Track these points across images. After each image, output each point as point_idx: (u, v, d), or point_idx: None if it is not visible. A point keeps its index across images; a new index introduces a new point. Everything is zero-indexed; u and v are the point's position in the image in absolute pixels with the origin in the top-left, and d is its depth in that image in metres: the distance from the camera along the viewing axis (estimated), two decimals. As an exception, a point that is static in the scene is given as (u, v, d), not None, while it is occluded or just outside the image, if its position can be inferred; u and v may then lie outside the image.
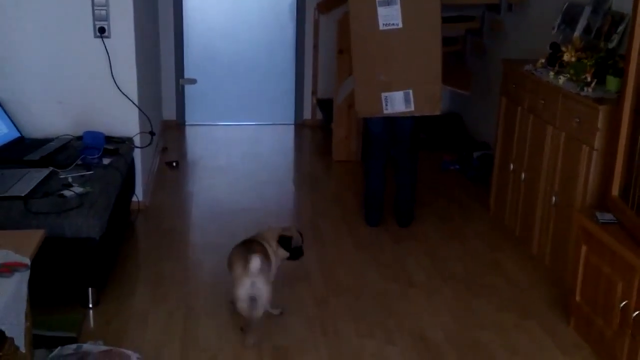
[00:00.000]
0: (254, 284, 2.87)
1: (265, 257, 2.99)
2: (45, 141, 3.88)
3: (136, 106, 4.13)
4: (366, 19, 3.82)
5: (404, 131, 4.15)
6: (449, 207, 4.61)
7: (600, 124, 3.12)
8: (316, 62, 6.47)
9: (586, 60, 3.47)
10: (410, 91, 3.90)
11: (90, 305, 3.18)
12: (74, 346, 2.71)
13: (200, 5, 6.38)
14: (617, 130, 2.94)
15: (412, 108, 3.93)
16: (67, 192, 3.21)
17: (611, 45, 3.60)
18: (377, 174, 4.24)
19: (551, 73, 3.65)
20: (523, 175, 3.91)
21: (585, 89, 3.32)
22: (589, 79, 3.35)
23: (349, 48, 4.07)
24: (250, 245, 3.02)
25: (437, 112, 4.01)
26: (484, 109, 5.60)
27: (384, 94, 3.92)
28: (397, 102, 3.93)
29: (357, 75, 3.95)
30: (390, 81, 3.90)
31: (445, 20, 4.04)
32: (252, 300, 2.89)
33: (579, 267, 3.02)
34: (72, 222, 3.02)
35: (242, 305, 2.90)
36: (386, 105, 3.94)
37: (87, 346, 2.71)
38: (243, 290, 2.88)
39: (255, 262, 2.84)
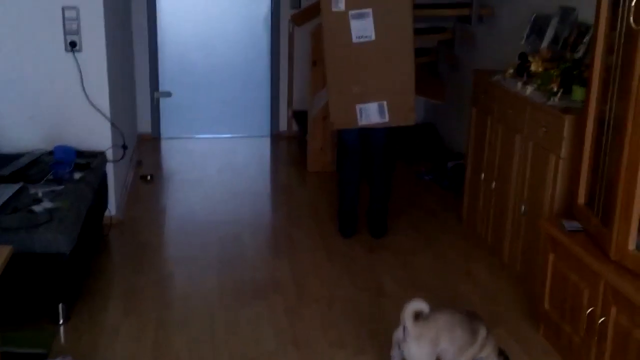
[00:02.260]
0: None
1: None
2: (16, 156, 3.85)
3: (108, 120, 4.13)
4: (339, 31, 3.85)
5: (378, 142, 4.18)
6: (423, 217, 4.64)
7: (566, 132, 3.17)
8: (291, 73, 6.50)
9: (553, 71, 3.53)
10: (385, 102, 3.93)
11: (61, 321, 3.16)
12: (42, 362, 2.70)
13: (174, 18, 6.39)
14: (581, 139, 2.98)
15: (387, 119, 3.97)
16: (36, 207, 3.19)
17: (577, 56, 3.66)
18: (351, 184, 4.27)
19: (519, 83, 3.70)
20: (493, 185, 3.95)
21: (552, 98, 3.37)
22: (555, 89, 3.41)
23: (322, 60, 4.10)
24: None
25: (412, 123, 4.04)
26: (458, 119, 5.65)
27: (358, 106, 3.95)
28: (371, 114, 3.96)
29: (331, 87, 3.98)
30: (364, 93, 3.93)
31: (417, 32, 4.09)
32: None
33: (546, 275, 3.05)
34: (42, 237, 3.00)
35: None
36: (361, 116, 3.96)
37: (55, 362, 2.70)
38: None
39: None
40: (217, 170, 5.63)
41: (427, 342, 2.57)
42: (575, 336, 2.83)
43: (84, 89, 4.02)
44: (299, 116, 6.19)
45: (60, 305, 3.15)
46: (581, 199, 2.99)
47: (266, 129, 6.69)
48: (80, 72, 3.99)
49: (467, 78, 5.18)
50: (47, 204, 3.23)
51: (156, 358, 2.93)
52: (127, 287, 3.57)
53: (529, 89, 3.56)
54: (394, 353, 2.70)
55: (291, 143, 6.46)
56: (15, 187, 3.39)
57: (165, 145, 6.37)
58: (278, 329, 3.20)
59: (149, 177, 5.25)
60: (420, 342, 2.57)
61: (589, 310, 2.69)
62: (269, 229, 4.57)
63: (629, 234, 2.55)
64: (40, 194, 3.35)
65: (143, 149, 6.08)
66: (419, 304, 2.58)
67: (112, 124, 4.17)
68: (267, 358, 2.96)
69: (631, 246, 2.55)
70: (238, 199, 4.94)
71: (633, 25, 2.46)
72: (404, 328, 2.57)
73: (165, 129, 6.53)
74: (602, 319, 2.60)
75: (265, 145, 6.50)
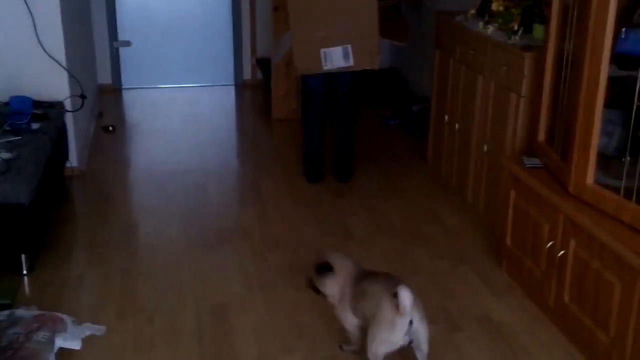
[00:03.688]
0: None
1: None
2: (-30, 108, 3.76)
3: (64, 69, 4.03)
4: (302, -26, 3.78)
5: (343, 87, 4.15)
6: (388, 161, 4.66)
7: (526, 70, 3.17)
8: (253, 20, 6.38)
9: (514, 9, 3.52)
10: (349, 46, 3.89)
11: (25, 272, 3.13)
12: (7, 312, 2.67)
13: (132, -35, 6.22)
14: (541, 77, 2.99)
15: (352, 63, 3.93)
16: (-7, 158, 3.13)
17: (538, -6, 3.64)
18: (316, 130, 4.25)
19: (481, 23, 3.68)
20: (457, 126, 3.96)
21: (513, 37, 3.37)
22: (516, 28, 3.40)
23: (284, 5, 4.03)
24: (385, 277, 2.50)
25: (376, 67, 4.02)
26: (422, 63, 5.63)
27: (322, 50, 3.90)
28: (336, 58, 3.92)
29: (294, 32, 3.92)
30: (328, 37, 3.88)
31: (380, -26, 4.03)
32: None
33: (508, 212, 3.10)
34: (0, 188, 2.95)
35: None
36: (325, 61, 3.92)
37: (20, 312, 2.67)
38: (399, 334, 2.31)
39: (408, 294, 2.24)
40: (180, 120, 5.56)
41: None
42: (536, 270, 2.88)
43: (37, 36, 3.90)
44: (263, 64, 6.12)
45: (22, 256, 3.11)
46: (541, 136, 3.01)
47: (230, 77, 6.60)
48: (32, 19, 3.87)
49: (431, 20, 5.14)
50: (4, 155, 3.16)
51: (122, 307, 2.92)
52: (91, 237, 3.54)
53: (491, 29, 3.55)
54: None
55: (256, 91, 6.39)
56: (-29, 139, 3.32)
57: (126, 95, 6.26)
58: (244, 274, 3.21)
59: (110, 128, 5.16)
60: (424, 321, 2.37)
61: (549, 244, 2.74)
62: (234, 178, 4.55)
63: (587, 168, 2.58)
64: (-4, 145, 3.28)
65: (104, 100, 5.97)
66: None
67: (69, 73, 4.07)
68: (234, 303, 2.97)
69: (589, 180, 2.59)
70: (202, 149, 4.89)
71: (591, -42, 2.45)
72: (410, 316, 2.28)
73: (126, 79, 6.41)
74: (562, 252, 2.66)
75: (229, 94, 6.43)
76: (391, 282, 2.35)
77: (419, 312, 2.30)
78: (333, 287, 2.53)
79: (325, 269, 2.52)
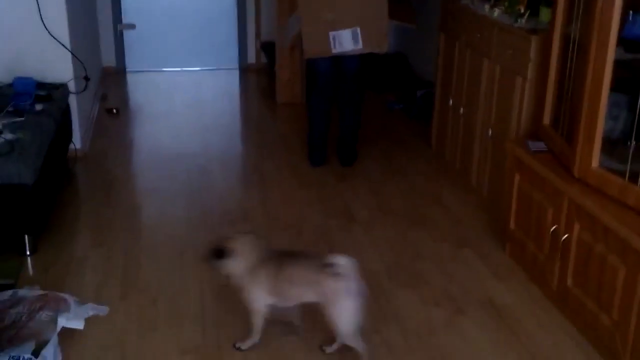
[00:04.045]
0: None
1: None
2: (-26, 89, 3.76)
3: (68, 50, 4.01)
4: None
5: (350, 69, 4.13)
6: (392, 145, 4.64)
7: (532, 54, 3.15)
8: (258, 4, 6.35)
9: (520, -8, 3.49)
10: (358, 29, 3.88)
11: (28, 253, 3.14)
12: (10, 292, 2.68)
13: (136, -53, 6.19)
14: (547, 60, 2.97)
15: (360, 46, 3.92)
16: (-4, 139, 3.12)
17: (545, -24, 3.61)
18: (321, 113, 4.23)
19: (487, 6, 3.65)
20: (462, 110, 3.94)
21: (519, 20, 3.35)
22: (522, 10, 3.38)
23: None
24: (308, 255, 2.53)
25: (385, 49, 4.00)
26: (427, 48, 5.60)
27: (331, 33, 3.88)
28: (345, 41, 3.90)
29: (303, 16, 3.91)
30: (337, 20, 3.86)
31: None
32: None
33: (512, 195, 3.09)
34: (3, 168, 2.95)
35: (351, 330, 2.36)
36: (334, 44, 3.91)
37: (22, 291, 2.68)
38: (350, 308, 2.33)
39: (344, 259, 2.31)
40: (184, 103, 5.55)
41: None
42: (539, 254, 2.88)
43: (41, 18, 3.89)
44: (267, 47, 6.09)
45: (26, 237, 3.12)
46: (546, 119, 3.00)
47: (234, 61, 6.58)
48: (37, 0, 3.85)
49: (436, 4, 5.11)
50: (7, 136, 3.16)
51: (125, 287, 2.93)
52: (95, 219, 3.55)
53: (497, 12, 3.53)
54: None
55: (260, 75, 6.37)
56: (-26, 119, 3.31)
57: (131, 78, 6.25)
58: (247, 255, 3.20)
59: (114, 111, 5.16)
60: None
61: (553, 228, 2.73)
62: (237, 161, 4.55)
63: (592, 151, 2.57)
64: (0, 126, 3.27)
65: (108, 83, 5.96)
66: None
67: (73, 54, 4.06)
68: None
69: (594, 163, 2.58)
70: (206, 132, 4.89)
71: (599, -61, 2.42)
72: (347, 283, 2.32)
73: (131, 62, 6.39)
74: (566, 235, 2.65)
75: (233, 77, 6.41)
76: (313, 259, 2.38)
77: (356, 273, 2.32)
78: (237, 269, 2.44)
79: (223, 253, 2.42)
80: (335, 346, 2.50)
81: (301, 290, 2.40)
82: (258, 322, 2.50)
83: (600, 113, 2.53)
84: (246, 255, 2.43)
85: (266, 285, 2.43)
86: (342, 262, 2.29)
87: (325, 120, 4.25)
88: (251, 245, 2.46)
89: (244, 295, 2.47)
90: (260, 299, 2.45)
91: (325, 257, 2.33)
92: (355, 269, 2.31)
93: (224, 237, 2.47)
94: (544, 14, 3.31)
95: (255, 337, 2.52)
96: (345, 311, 2.32)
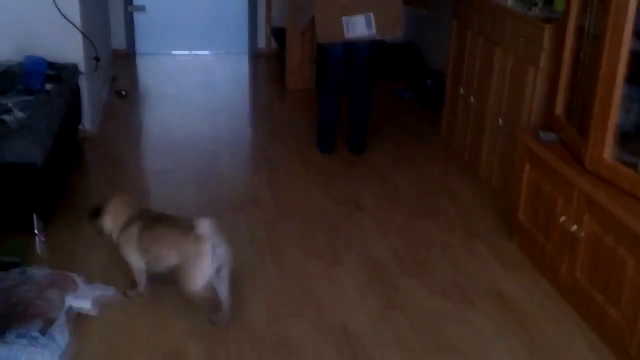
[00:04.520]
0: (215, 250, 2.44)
1: None
2: (-17, 67, 3.75)
3: (79, 30, 4.00)
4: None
5: (361, 56, 4.10)
6: (402, 134, 4.63)
7: (546, 43, 3.13)
8: (269, -11, 6.34)
9: (535, -19, 3.46)
10: (371, 14, 3.85)
11: (36, 232, 3.13)
12: (18, 270, 2.68)
13: None
14: (561, 49, 2.94)
15: (374, 31, 3.90)
16: (7, 117, 3.12)
17: (560, -34, 3.58)
18: (331, 100, 4.22)
19: (500, -6, 3.63)
20: (472, 99, 3.92)
21: (533, 8, 3.32)
22: (536, -1, 3.35)
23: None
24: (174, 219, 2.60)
25: (398, 35, 3.99)
26: (438, 37, 5.57)
27: (344, 18, 3.86)
28: (358, 26, 3.88)
29: (317, 0, 3.88)
30: (351, 5, 3.84)
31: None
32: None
33: (521, 186, 3.07)
34: (13, 146, 2.95)
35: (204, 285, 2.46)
36: (347, 29, 3.89)
37: (31, 270, 2.68)
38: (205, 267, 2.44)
39: (207, 222, 2.43)
40: (194, 87, 5.54)
41: None
42: (548, 245, 2.87)
43: (53, -3, 3.88)
44: (278, 33, 6.07)
45: (35, 216, 3.12)
46: (559, 109, 2.98)
47: (244, 45, 6.57)
48: (48, -21, 3.85)
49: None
50: (17, 114, 3.16)
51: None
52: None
53: (511, 0, 3.50)
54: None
55: (270, 60, 6.35)
56: (-16, 97, 3.31)
57: (140, 61, 6.24)
58: (255, 240, 3.21)
59: (123, 93, 5.15)
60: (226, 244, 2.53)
61: (562, 219, 2.72)
62: (246, 145, 4.54)
63: (605, 142, 2.55)
64: (10, 104, 3.27)
65: (118, 65, 5.95)
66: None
67: (83, 35, 4.05)
68: (244, 269, 2.96)
69: (606, 155, 2.56)
70: (215, 116, 4.88)
71: None
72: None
73: (141, 45, 6.38)
74: (575, 227, 2.63)
75: (243, 62, 6.39)
76: (184, 222, 2.49)
77: (219, 236, 2.44)
78: (110, 227, 2.63)
79: (98, 212, 2.63)
80: (140, 290, 2.68)
81: (164, 250, 2.52)
82: (138, 276, 2.67)
83: (614, 104, 2.50)
84: (118, 214, 2.62)
85: (135, 242, 2.58)
86: (206, 225, 2.41)
87: (335, 107, 4.23)
88: (123, 205, 2.65)
89: (120, 251, 2.64)
90: (132, 254, 2.61)
91: (190, 220, 2.44)
92: (218, 231, 2.44)
93: (104, 199, 2.67)
94: (558, 2, 3.29)
95: (139, 288, 2.69)
96: (197, 273, 2.45)
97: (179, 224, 2.53)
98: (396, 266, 3.01)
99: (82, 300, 2.56)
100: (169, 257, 2.51)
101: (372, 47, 4.07)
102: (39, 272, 2.67)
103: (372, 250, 3.13)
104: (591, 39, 2.70)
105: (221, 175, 3.92)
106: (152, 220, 2.60)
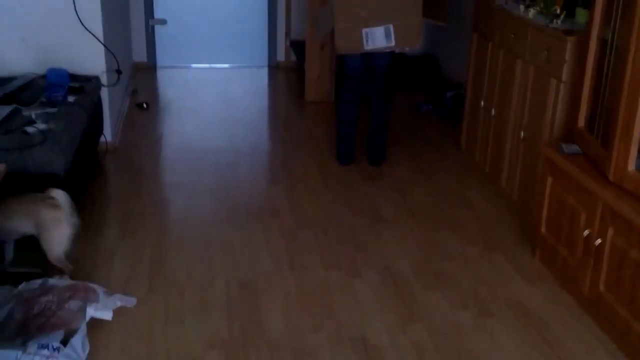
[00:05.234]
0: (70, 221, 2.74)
1: None
2: (8, 79, 3.79)
3: (101, 43, 4.04)
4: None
5: (381, 67, 4.10)
6: (421, 146, 4.61)
7: (568, 55, 3.11)
8: (289, 2, 6.35)
9: (556, -7, 3.44)
10: (391, 26, 3.85)
11: (57, 243, 3.15)
12: (39, 281, 2.70)
13: (169, -57, 6.22)
14: (583, 62, 2.92)
15: (393, 43, 3.89)
16: (30, 129, 3.15)
17: (582, -22, 3.56)
18: (350, 112, 4.21)
19: (521, 6, 3.62)
20: (493, 111, 3.90)
21: (555, 21, 3.30)
22: (558, 11, 3.33)
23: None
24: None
25: (417, 46, 3.98)
26: (457, 49, 5.56)
27: (364, 30, 3.86)
28: (377, 38, 3.88)
29: (336, 12, 3.89)
30: (371, 16, 3.84)
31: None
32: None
33: (544, 199, 3.04)
34: (36, 157, 2.98)
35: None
36: (367, 41, 3.89)
37: (52, 281, 2.70)
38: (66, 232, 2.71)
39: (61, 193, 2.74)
40: (213, 99, 5.56)
41: None
42: (571, 259, 2.83)
43: (76, 11, 3.92)
44: (297, 46, 6.09)
45: (56, 227, 3.13)
46: (581, 122, 2.95)
47: (264, 58, 6.59)
48: (72, -7, 3.90)
49: (468, 4, 5.07)
50: (40, 126, 3.19)
51: (152, 280, 2.94)
52: (124, 211, 3.56)
53: (532, 12, 3.49)
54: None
55: (289, 73, 6.37)
56: (8, 109, 3.34)
57: (161, 73, 6.29)
58: (273, 251, 3.20)
59: (144, 105, 5.19)
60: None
61: (586, 233, 2.69)
62: (265, 157, 4.55)
63: (629, 154, 2.52)
64: (33, 116, 3.30)
65: (138, 77, 6.00)
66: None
67: (106, 47, 4.09)
68: (263, 279, 2.97)
69: (631, 167, 2.53)
70: (235, 128, 4.89)
71: (641, -62, 2.38)
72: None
73: (161, 58, 6.43)
74: (599, 240, 2.60)
75: (262, 75, 6.42)
76: (36, 195, 2.70)
77: (71, 206, 2.73)
78: None
79: None
80: None
81: (19, 222, 2.69)
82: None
83: (638, 116, 2.47)
84: None
85: None
86: (59, 195, 2.69)
87: (354, 119, 4.23)
88: None
89: None
90: None
91: (44, 192, 2.70)
92: (70, 203, 2.73)
93: None
94: (580, 15, 3.27)
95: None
96: (58, 238, 2.69)
97: (33, 196, 2.73)
98: (416, 278, 2.99)
99: (103, 311, 2.56)
100: (24, 227, 2.70)
101: (391, 59, 4.07)
102: (60, 283, 2.68)
103: (391, 262, 3.12)
104: (614, 50, 2.68)
105: (240, 187, 3.93)
106: (5, 197, 2.72)
